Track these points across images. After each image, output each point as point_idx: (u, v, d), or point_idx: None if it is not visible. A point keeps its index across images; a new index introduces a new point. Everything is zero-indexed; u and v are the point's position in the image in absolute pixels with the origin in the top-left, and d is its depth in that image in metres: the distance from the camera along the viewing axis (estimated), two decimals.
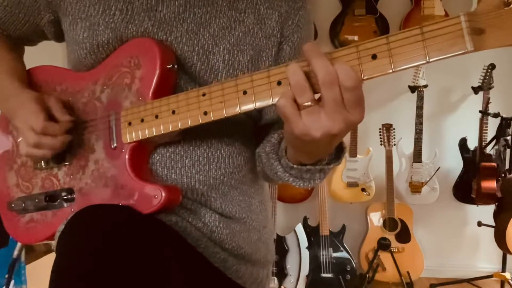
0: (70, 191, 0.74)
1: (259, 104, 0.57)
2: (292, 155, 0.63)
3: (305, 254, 2.35)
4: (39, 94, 0.75)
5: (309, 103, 0.49)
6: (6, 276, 1.46)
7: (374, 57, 0.49)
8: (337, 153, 0.64)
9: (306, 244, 2.36)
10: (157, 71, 0.66)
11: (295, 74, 0.50)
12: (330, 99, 0.48)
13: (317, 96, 0.50)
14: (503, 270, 2.34)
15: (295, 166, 0.63)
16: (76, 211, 0.62)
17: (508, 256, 2.30)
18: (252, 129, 0.80)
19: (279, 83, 0.55)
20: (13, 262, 1.34)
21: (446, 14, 2.43)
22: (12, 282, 1.39)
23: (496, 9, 0.45)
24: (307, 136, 0.50)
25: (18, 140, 0.74)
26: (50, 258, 1.69)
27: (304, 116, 0.50)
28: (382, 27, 2.49)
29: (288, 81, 0.51)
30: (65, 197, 0.74)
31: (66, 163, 0.76)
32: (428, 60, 0.47)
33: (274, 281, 2.29)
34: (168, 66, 0.68)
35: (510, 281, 2.25)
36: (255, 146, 0.81)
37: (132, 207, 0.65)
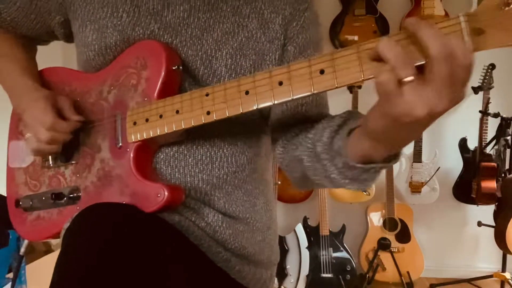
0: (76, 189, 0.75)
1: (261, 104, 0.58)
2: (363, 149, 0.55)
3: (305, 254, 2.35)
4: (50, 93, 0.77)
5: (412, 78, 0.44)
6: (6, 276, 1.46)
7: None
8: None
9: (306, 244, 2.36)
10: (163, 72, 0.68)
11: (394, 48, 0.44)
12: (443, 74, 0.42)
13: None
14: (503, 270, 2.33)
15: (358, 165, 0.56)
16: (81, 209, 0.62)
17: (508, 256, 2.30)
18: (254, 130, 0.80)
19: (280, 83, 0.56)
20: (19, 259, 1.35)
21: (446, 14, 2.43)
22: (16, 281, 1.39)
23: (496, 10, 0.45)
24: (407, 117, 0.45)
25: (26, 136, 0.76)
26: (50, 258, 1.69)
27: (407, 93, 0.44)
28: (382, 27, 2.49)
29: (289, 82, 0.50)
30: (71, 195, 0.76)
31: (73, 162, 0.77)
32: None
33: (274, 281, 2.29)
34: (174, 67, 0.69)
35: (510, 281, 2.25)
36: (258, 146, 0.81)
37: (136, 205, 0.66)
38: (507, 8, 0.44)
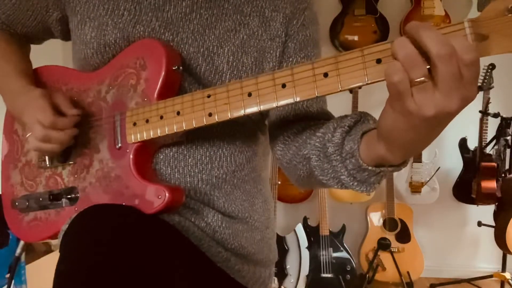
0: (74, 190, 0.75)
1: (263, 107, 0.57)
2: (377, 153, 0.55)
3: (305, 254, 2.35)
4: (45, 90, 0.76)
5: (423, 78, 0.43)
6: (7, 276, 1.46)
7: (378, 61, 0.49)
8: None
9: (306, 244, 2.36)
10: (163, 72, 0.67)
11: (405, 47, 0.44)
12: (448, 74, 0.42)
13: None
14: (503, 270, 2.33)
15: (369, 168, 0.56)
16: (80, 210, 0.62)
17: (508, 256, 2.30)
18: (252, 129, 0.80)
19: (283, 85, 0.56)
20: (15, 260, 1.35)
21: (446, 14, 2.43)
22: (12, 281, 1.39)
23: (500, 16, 0.45)
24: (417, 117, 0.45)
25: (27, 135, 0.75)
26: (50, 258, 1.69)
27: (416, 94, 0.44)
28: (382, 27, 2.49)
29: (293, 84, 0.49)
30: (69, 196, 0.75)
31: (71, 162, 0.76)
32: None
33: (274, 281, 2.29)
34: (174, 68, 0.68)
35: (510, 281, 2.25)
36: (256, 145, 0.81)
37: (136, 207, 0.65)
38: (510, 15, 0.44)
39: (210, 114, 0.62)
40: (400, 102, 0.45)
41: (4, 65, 0.81)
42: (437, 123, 0.46)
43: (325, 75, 0.53)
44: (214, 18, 0.73)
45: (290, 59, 0.77)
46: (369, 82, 0.50)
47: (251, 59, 0.74)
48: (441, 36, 0.42)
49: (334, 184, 0.64)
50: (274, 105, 0.57)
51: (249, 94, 0.58)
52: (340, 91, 0.53)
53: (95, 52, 0.73)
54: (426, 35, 0.43)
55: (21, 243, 1.34)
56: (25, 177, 0.82)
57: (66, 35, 0.83)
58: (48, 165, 0.78)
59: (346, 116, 0.64)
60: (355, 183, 0.59)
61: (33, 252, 1.74)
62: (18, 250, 1.31)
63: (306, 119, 0.75)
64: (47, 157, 0.78)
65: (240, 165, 0.77)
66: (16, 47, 0.85)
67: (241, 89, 0.59)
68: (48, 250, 1.75)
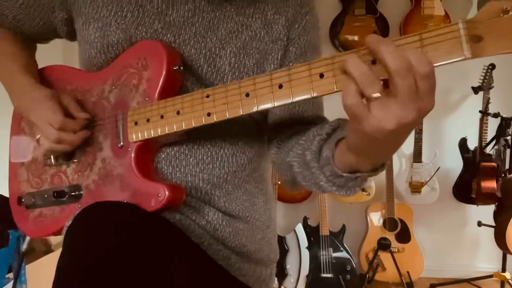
0: (77, 187, 0.76)
1: (261, 107, 0.58)
2: (348, 161, 0.57)
3: (305, 254, 2.35)
4: (53, 91, 0.77)
5: (378, 94, 0.46)
6: (6, 276, 1.47)
7: (373, 62, 0.49)
8: None
9: (306, 244, 2.36)
10: (164, 72, 0.68)
11: (359, 66, 0.46)
12: (405, 87, 0.44)
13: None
14: (503, 270, 2.34)
15: (344, 174, 0.58)
16: (83, 207, 0.63)
17: (508, 256, 2.30)
18: (255, 129, 0.81)
19: (280, 86, 0.57)
20: (21, 256, 1.35)
21: (446, 14, 2.43)
22: (18, 278, 1.40)
23: (495, 17, 0.45)
24: (379, 132, 0.47)
25: (37, 137, 0.76)
26: (50, 258, 1.69)
27: (375, 110, 0.46)
28: (382, 27, 2.49)
29: (289, 85, 0.50)
30: (73, 193, 0.76)
31: (75, 160, 0.77)
32: None
33: (274, 281, 2.29)
34: (175, 68, 0.69)
35: (510, 281, 2.25)
36: (259, 146, 0.81)
37: (137, 204, 0.66)
38: (506, 16, 0.45)
39: (208, 114, 0.62)
40: (359, 122, 0.48)
41: (10, 64, 0.83)
42: (398, 134, 0.48)
43: (321, 75, 0.54)
44: (217, 20, 0.74)
45: (291, 64, 0.77)
46: None
47: (252, 61, 0.74)
48: (397, 51, 0.44)
49: (316, 189, 0.66)
50: (271, 105, 0.57)
51: (247, 94, 0.59)
52: (336, 91, 0.54)
53: (99, 52, 0.75)
54: (384, 50, 0.45)
55: (27, 239, 1.35)
56: (31, 174, 0.84)
57: (71, 36, 0.84)
58: (53, 163, 0.80)
59: (326, 124, 0.67)
60: (334, 188, 0.62)
61: (33, 252, 1.74)
62: (25, 246, 1.32)
63: (301, 123, 0.76)
64: (52, 155, 0.80)
65: (241, 165, 0.77)
66: (22, 47, 0.86)
67: (239, 89, 0.60)
68: (48, 250, 1.75)
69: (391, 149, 0.54)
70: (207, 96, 0.63)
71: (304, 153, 0.66)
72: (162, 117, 0.66)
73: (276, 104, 0.57)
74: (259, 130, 0.82)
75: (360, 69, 0.46)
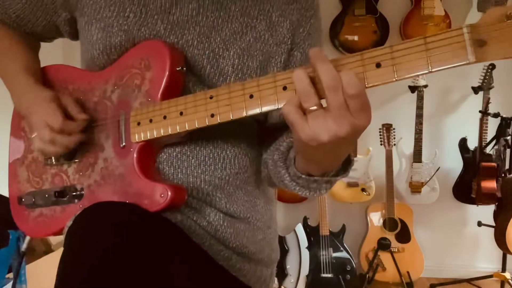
0: (79, 187, 0.76)
1: (264, 108, 0.58)
2: (301, 165, 0.63)
3: (305, 254, 2.35)
4: (54, 93, 0.77)
5: (315, 107, 0.50)
6: (6, 276, 1.47)
7: (378, 65, 0.50)
8: (344, 165, 0.64)
9: (306, 244, 2.36)
10: (166, 73, 0.68)
11: (301, 80, 0.51)
12: (335, 104, 0.48)
13: (323, 102, 0.51)
14: (503, 270, 2.34)
15: (303, 176, 0.63)
16: (84, 207, 0.63)
17: (508, 256, 2.30)
18: (257, 131, 0.81)
19: (284, 88, 0.57)
20: (21, 256, 1.35)
21: (446, 14, 2.43)
22: (12, 281, 1.40)
23: (498, 22, 0.46)
24: (314, 141, 0.50)
25: (33, 136, 0.76)
26: (50, 258, 1.69)
27: (310, 121, 0.50)
28: (382, 27, 2.49)
29: (293, 86, 0.52)
30: (74, 194, 0.76)
31: (76, 160, 0.77)
32: (430, 70, 0.49)
33: (274, 281, 2.29)
34: (177, 68, 0.69)
35: (510, 281, 2.25)
36: (260, 148, 0.81)
37: (139, 205, 0.66)
38: (509, 21, 0.45)
39: (212, 115, 0.62)
40: (295, 129, 0.52)
41: (12, 63, 0.82)
42: (336, 146, 0.52)
43: None
44: (221, 21, 0.73)
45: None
46: (368, 86, 0.51)
47: (256, 63, 0.74)
48: (332, 70, 0.49)
49: (284, 187, 0.71)
50: (275, 106, 0.57)
51: (251, 96, 0.59)
52: None
53: (101, 53, 0.74)
54: (320, 67, 0.49)
55: (27, 239, 1.35)
56: (32, 174, 0.83)
57: (74, 35, 0.84)
58: (54, 163, 0.79)
59: None
60: (298, 188, 0.67)
61: (33, 252, 1.74)
62: (24, 246, 1.32)
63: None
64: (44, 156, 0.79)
65: (243, 167, 0.77)
66: (25, 46, 0.86)
67: (243, 91, 0.60)
68: (48, 250, 1.75)
69: (332, 159, 0.58)
70: (211, 97, 0.62)
71: (273, 153, 0.71)
72: (165, 117, 0.66)
73: (280, 105, 0.57)
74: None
75: (301, 83, 0.50)
